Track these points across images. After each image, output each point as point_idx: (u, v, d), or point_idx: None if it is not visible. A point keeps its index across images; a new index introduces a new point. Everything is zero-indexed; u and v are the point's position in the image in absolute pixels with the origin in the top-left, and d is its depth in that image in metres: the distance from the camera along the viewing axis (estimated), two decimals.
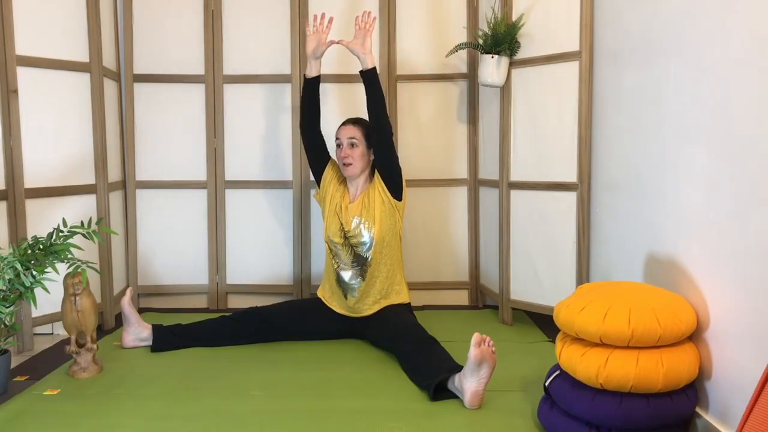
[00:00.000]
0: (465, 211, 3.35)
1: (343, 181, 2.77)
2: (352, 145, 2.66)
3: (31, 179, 2.65)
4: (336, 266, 2.71)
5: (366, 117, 2.69)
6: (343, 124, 2.74)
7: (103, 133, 2.89)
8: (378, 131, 2.62)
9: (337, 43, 2.69)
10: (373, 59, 2.64)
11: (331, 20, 2.70)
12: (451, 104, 3.31)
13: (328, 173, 2.77)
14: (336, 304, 2.75)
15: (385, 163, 2.63)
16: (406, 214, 2.87)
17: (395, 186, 2.63)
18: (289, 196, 3.29)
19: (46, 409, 2.02)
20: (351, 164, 2.66)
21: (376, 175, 2.65)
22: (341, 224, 2.67)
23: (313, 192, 2.94)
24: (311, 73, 2.72)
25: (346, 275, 2.69)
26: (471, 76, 3.26)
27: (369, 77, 2.62)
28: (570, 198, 2.69)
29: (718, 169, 1.70)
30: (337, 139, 2.71)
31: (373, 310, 2.69)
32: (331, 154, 2.81)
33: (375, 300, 2.69)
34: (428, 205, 3.32)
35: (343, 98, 3.25)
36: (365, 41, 2.64)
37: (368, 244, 2.64)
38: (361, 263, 2.66)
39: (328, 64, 3.24)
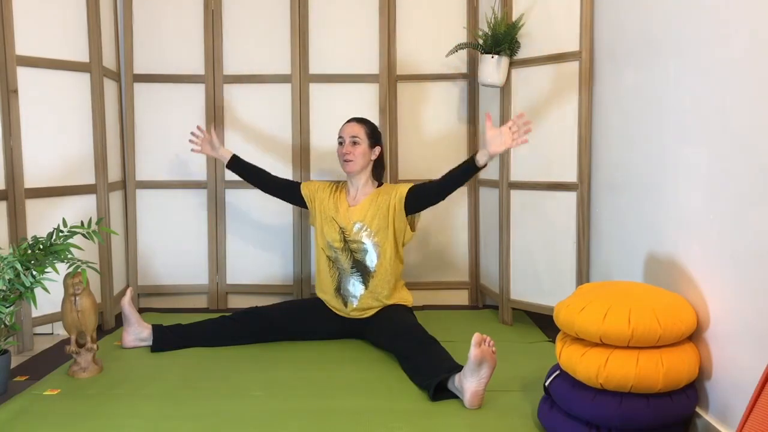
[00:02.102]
0: (465, 211, 3.35)
1: (328, 188, 2.77)
2: (354, 143, 2.66)
3: (31, 179, 2.65)
4: (336, 274, 2.71)
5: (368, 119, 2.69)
6: (347, 122, 2.74)
7: (103, 133, 2.89)
8: (434, 200, 2.60)
9: (487, 115, 2.44)
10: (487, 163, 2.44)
11: (199, 127, 2.89)
12: (451, 104, 3.31)
13: (307, 193, 2.79)
14: (336, 309, 2.75)
15: (416, 207, 2.63)
16: None
17: (411, 217, 2.66)
18: None
19: (46, 409, 2.02)
20: (352, 161, 2.66)
21: (396, 200, 2.61)
22: (340, 228, 2.67)
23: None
24: (225, 158, 2.82)
25: (347, 283, 2.68)
26: (471, 76, 3.26)
27: (474, 171, 2.45)
28: (570, 198, 2.69)
29: (718, 169, 1.70)
30: (339, 137, 2.71)
31: (372, 313, 2.69)
32: (306, 180, 2.88)
33: (375, 308, 2.69)
34: None
35: (346, 98, 3.24)
36: (501, 148, 2.34)
37: (368, 252, 2.64)
38: (361, 269, 2.66)
39: (331, 64, 3.25)
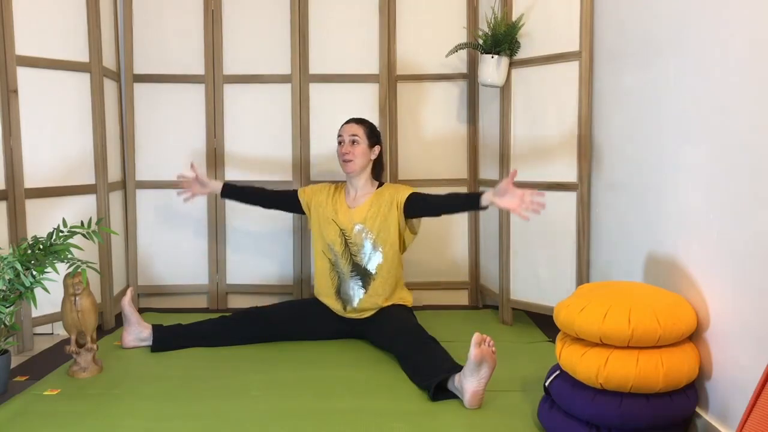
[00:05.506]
0: None
1: (325, 190, 2.77)
2: (354, 142, 2.66)
3: (31, 179, 2.65)
4: (336, 278, 2.70)
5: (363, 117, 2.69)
6: (347, 122, 2.74)
7: (103, 133, 2.89)
8: (429, 214, 2.67)
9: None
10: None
11: (179, 176, 2.80)
12: (451, 104, 3.31)
13: (304, 199, 2.78)
14: (335, 311, 2.74)
15: (413, 215, 2.62)
16: None
17: (410, 220, 2.66)
18: None
19: (46, 409, 2.02)
20: (351, 160, 2.65)
21: (395, 204, 2.61)
22: (341, 230, 2.67)
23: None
24: (218, 189, 2.79)
25: (347, 287, 2.68)
26: (471, 76, 3.26)
27: (475, 209, 2.45)
28: (570, 198, 2.69)
29: (718, 169, 1.70)
30: (339, 136, 2.71)
31: (372, 313, 2.69)
32: (300, 188, 2.84)
33: (374, 310, 2.69)
34: None
35: (346, 98, 3.25)
36: (504, 205, 2.28)
37: (368, 254, 2.64)
38: (360, 273, 2.66)
39: (331, 64, 3.25)
